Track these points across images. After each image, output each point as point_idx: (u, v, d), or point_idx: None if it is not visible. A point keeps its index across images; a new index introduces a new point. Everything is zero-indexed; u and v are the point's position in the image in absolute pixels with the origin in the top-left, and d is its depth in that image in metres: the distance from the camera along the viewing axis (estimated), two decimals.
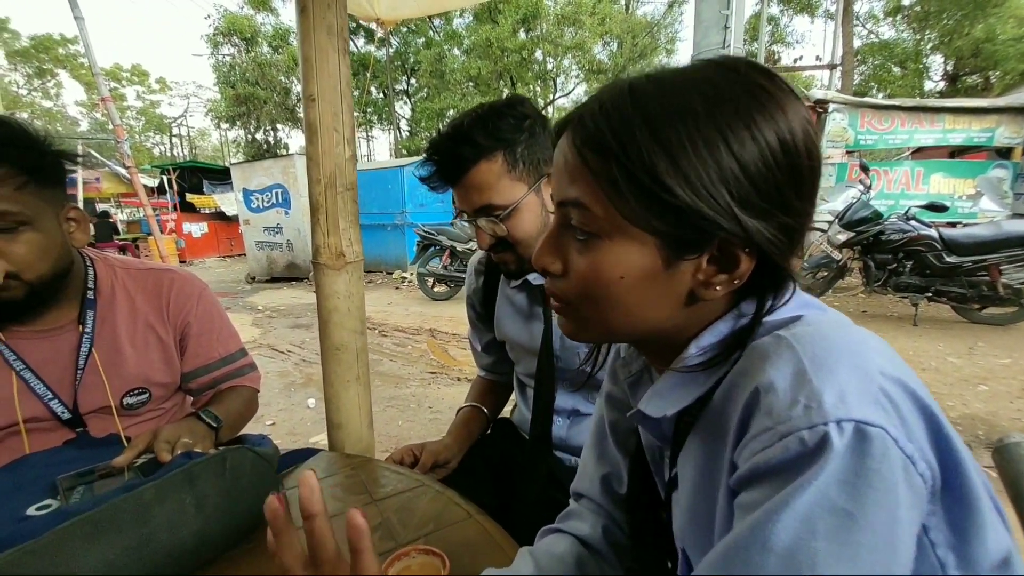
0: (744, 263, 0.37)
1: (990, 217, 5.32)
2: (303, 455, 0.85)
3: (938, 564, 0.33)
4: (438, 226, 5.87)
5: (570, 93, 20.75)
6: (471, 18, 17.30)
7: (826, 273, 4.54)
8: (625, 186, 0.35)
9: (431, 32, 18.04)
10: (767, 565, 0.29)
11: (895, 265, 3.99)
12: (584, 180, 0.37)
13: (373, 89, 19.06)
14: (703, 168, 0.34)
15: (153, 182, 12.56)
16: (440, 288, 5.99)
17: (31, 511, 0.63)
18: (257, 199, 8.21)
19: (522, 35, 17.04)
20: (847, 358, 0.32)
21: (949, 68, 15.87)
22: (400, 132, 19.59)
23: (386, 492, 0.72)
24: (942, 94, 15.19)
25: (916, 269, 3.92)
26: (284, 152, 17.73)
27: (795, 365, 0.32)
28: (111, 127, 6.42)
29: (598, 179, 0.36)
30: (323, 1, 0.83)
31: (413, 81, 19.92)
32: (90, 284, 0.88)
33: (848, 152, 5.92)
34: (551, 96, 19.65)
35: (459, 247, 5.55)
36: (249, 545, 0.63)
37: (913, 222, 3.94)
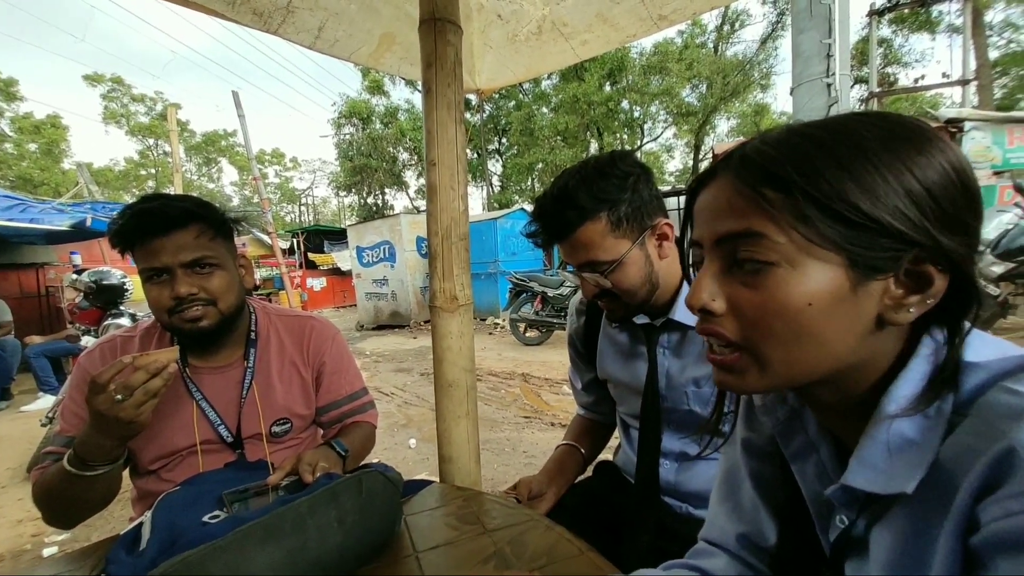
0: (938, 281, 0.36)
1: None
2: (419, 485, 0.91)
3: None
4: (530, 273, 6.04)
5: (658, 137, 20.72)
6: (558, 78, 18.30)
7: (982, 311, 3.86)
8: (810, 210, 0.36)
9: (521, 95, 19.35)
10: None
11: None
12: (757, 211, 0.38)
13: (468, 151, 20.66)
14: (890, 188, 0.35)
15: (285, 245, 14.55)
16: (532, 333, 6.07)
17: (205, 519, 0.74)
18: (368, 255, 9.12)
19: (608, 88, 17.59)
20: None
21: None
22: (492, 187, 20.81)
23: (498, 524, 0.74)
24: None
25: None
26: (390, 212, 19.65)
27: None
28: (256, 200, 7.66)
29: (776, 207, 0.37)
30: (444, 81, 0.97)
31: (504, 140, 21.29)
32: (253, 327, 1.05)
33: (996, 173, 5.13)
34: (638, 142, 19.76)
35: (550, 292, 5.63)
36: (374, 566, 0.68)
37: None
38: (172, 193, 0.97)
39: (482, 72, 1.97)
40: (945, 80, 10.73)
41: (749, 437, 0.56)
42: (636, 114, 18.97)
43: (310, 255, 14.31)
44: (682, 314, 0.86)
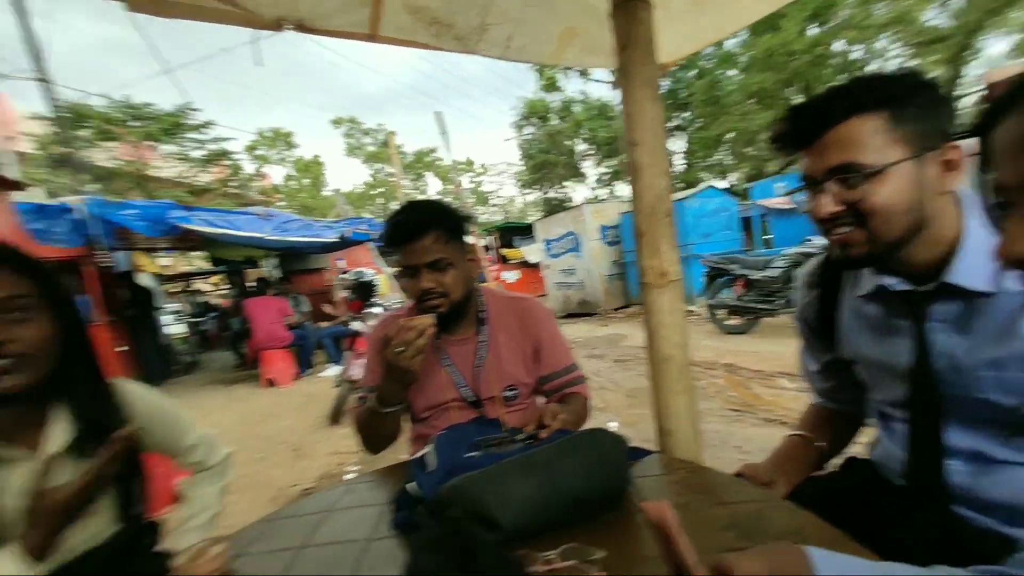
0: None
1: None
2: (639, 454, 0.94)
3: None
4: (728, 254, 5.50)
5: None
6: (746, 34, 16.02)
7: None
8: None
9: (702, 62, 17.59)
10: None
11: None
12: None
13: None
14: None
15: (482, 243, 16.25)
16: (734, 320, 5.52)
17: (468, 455, 0.91)
18: (555, 246, 9.55)
19: (813, 31, 14.68)
20: None
21: None
22: (673, 167, 19.50)
23: (732, 498, 0.72)
24: None
25: None
26: (571, 204, 20.15)
27: None
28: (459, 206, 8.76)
29: None
30: (640, 60, 0.98)
31: (686, 114, 19.70)
32: (481, 308, 1.23)
33: None
34: None
35: (755, 275, 5.03)
36: (605, 517, 0.72)
37: None
38: (420, 200, 1.20)
39: (663, 46, 1.89)
40: None
41: None
42: (854, 55, 15.34)
43: (501, 250, 15.70)
44: (964, 276, 0.67)
